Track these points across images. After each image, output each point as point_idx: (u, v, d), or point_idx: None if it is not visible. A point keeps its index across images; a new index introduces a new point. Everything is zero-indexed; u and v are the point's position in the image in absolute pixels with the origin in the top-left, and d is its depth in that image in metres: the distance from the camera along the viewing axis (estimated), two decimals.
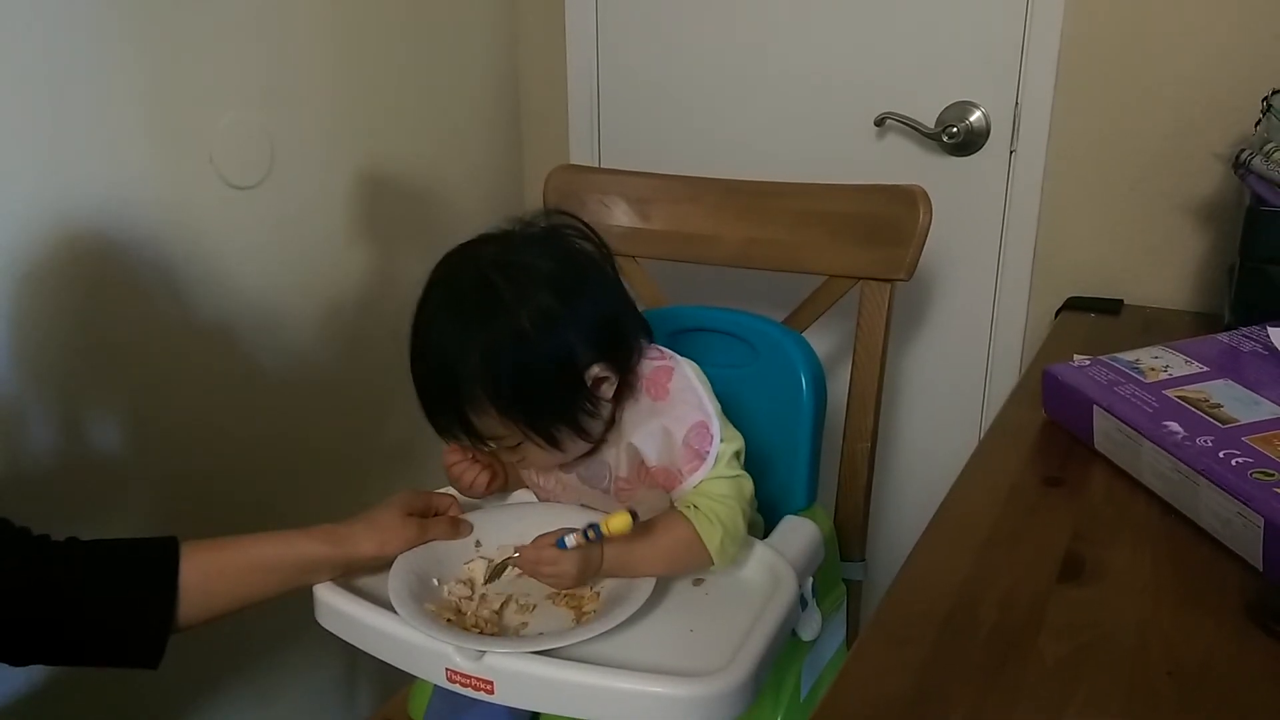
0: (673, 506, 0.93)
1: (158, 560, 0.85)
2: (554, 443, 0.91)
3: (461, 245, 0.93)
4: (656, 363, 0.97)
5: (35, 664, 0.86)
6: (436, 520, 0.98)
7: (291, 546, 0.90)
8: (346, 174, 1.52)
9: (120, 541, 0.87)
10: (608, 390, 0.93)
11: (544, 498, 1.06)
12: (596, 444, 0.96)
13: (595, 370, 0.91)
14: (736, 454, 0.95)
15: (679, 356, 0.98)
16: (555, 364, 0.89)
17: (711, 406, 0.94)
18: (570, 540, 0.87)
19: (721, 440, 0.93)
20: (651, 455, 0.95)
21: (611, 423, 0.96)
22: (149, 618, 0.84)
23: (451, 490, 1.05)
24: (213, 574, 0.87)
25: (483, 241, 0.93)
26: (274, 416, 1.45)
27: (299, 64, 1.41)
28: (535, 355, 0.87)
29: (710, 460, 0.92)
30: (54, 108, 1.13)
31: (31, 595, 0.82)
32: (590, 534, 0.87)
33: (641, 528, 0.93)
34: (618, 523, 0.86)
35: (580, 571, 0.89)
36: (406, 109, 1.61)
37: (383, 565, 0.92)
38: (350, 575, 0.93)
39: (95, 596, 0.84)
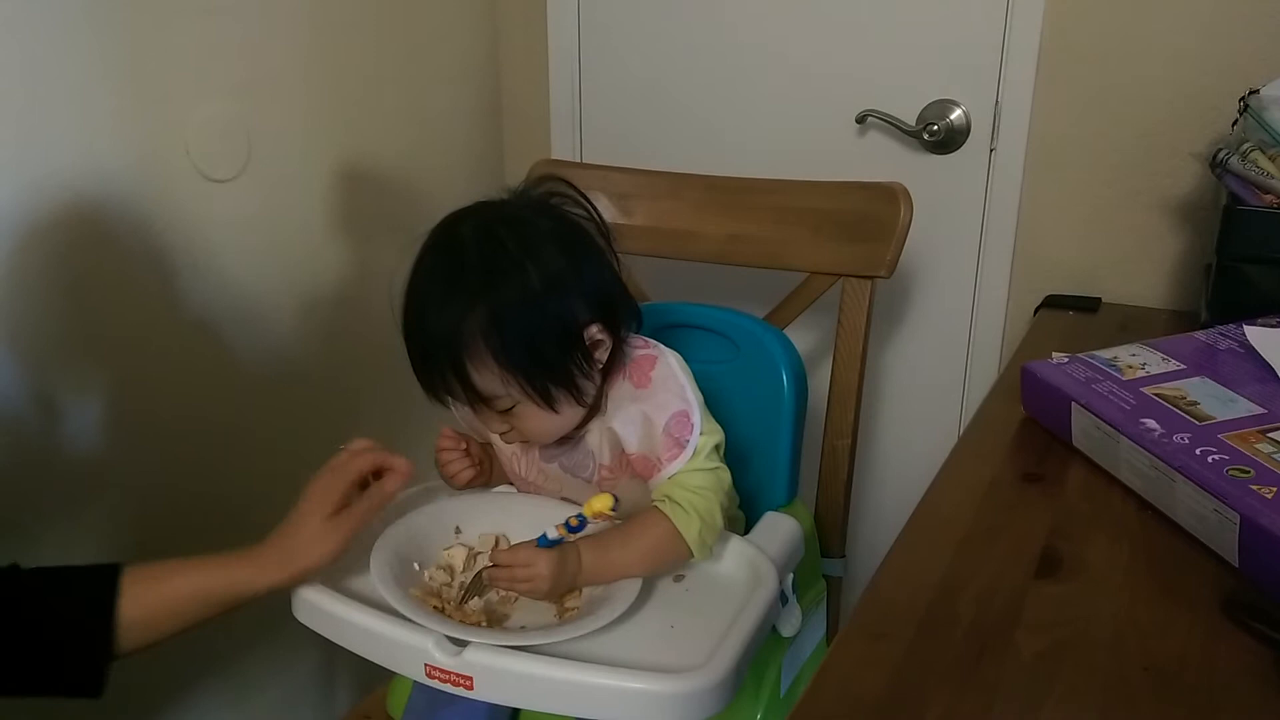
0: (653, 503, 0.93)
1: (95, 592, 0.83)
2: (549, 401, 0.90)
3: (458, 210, 0.92)
4: (641, 351, 0.97)
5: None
6: (359, 508, 0.90)
7: (230, 575, 0.87)
8: (325, 167, 1.50)
9: (61, 570, 0.86)
10: (602, 355, 0.93)
11: (523, 485, 1.05)
12: (583, 422, 0.96)
13: (593, 331, 0.91)
14: (716, 447, 0.95)
15: (664, 347, 0.98)
16: (559, 321, 0.89)
17: (694, 397, 0.94)
18: (552, 532, 0.86)
19: (702, 433, 0.93)
20: (631, 442, 0.95)
21: (599, 401, 0.96)
22: (88, 648, 0.83)
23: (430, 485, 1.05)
24: (151, 606, 0.84)
25: (481, 205, 0.93)
26: (252, 408, 1.44)
27: (277, 55, 1.40)
28: (540, 310, 0.87)
29: (689, 450, 0.92)
30: (27, 100, 1.11)
31: None
32: (573, 521, 0.85)
33: (617, 531, 0.92)
34: (600, 502, 0.85)
35: (554, 574, 0.86)
36: (386, 101, 1.60)
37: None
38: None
39: (34, 625, 0.82)
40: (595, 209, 0.96)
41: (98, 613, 0.83)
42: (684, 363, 0.97)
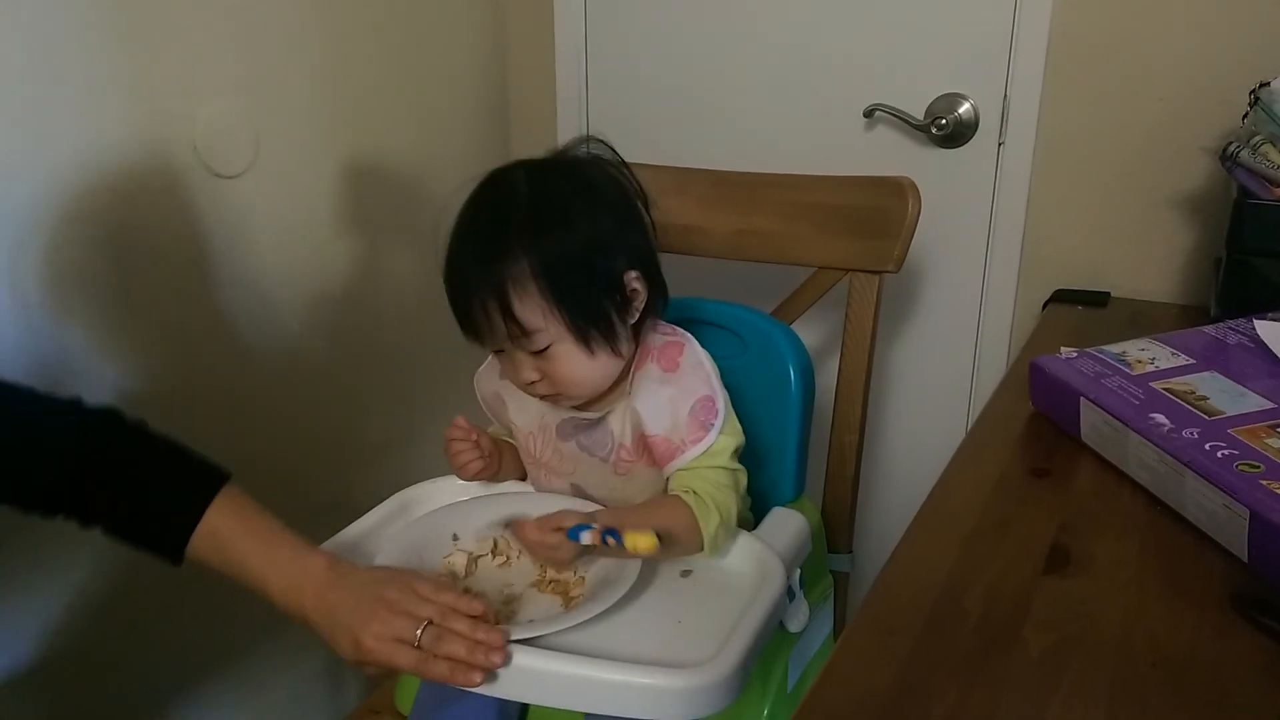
0: (674, 492, 0.93)
1: (200, 485, 0.87)
2: (586, 340, 0.91)
3: (508, 162, 0.96)
4: (669, 338, 0.99)
5: (94, 523, 0.87)
6: (405, 660, 0.80)
7: (267, 569, 0.85)
8: (332, 164, 1.51)
9: (184, 451, 0.90)
10: (638, 306, 0.94)
11: (536, 468, 1.05)
12: (610, 390, 0.97)
13: (632, 277, 0.93)
14: (736, 450, 0.96)
15: (690, 335, 0.99)
16: (602, 260, 0.91)
17: (719, 387, 0.96)
18: (586, 538, 0.85)
19: (724, 432, 0.94)
20: (653, 424, 0.95)
21: (629, 371, 0.97)
22: (174, 525, 0.86)
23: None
24: (219, 537, 0.86)
25: (528, 159, 0.97)
26: (260, 404, 1.44)
27: (284, 52, 1.40)
28: (586, 247, 0.90)
29: (714, 433, 0.93)
30: (35, 97, 1.12)
31: (97, 461, 0.86)
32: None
33: (637, 509, 0.94)
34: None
35: (570, 564, 0.90)
36: (393, 97, 1.60)
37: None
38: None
39: (143, 480, 0.87)
40: (633, 175, 0.98)
41: (190, 505, 0.86)
42: (708, 354, 0.98)
